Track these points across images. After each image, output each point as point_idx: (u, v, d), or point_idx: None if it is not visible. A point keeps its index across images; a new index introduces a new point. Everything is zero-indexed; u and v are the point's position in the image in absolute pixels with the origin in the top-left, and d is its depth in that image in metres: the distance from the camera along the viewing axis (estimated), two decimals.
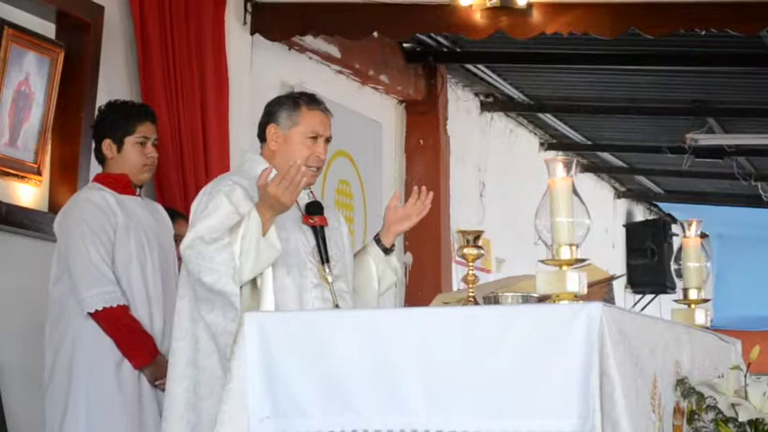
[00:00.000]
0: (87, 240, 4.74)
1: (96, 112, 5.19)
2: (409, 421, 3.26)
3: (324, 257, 4.23)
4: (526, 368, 3.16)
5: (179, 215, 5.61)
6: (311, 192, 4.38)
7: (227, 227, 4.04)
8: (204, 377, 4.07)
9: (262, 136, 4.35)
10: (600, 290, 4.42)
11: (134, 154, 4.94)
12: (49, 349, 4.79)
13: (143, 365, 4.77)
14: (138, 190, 4.99)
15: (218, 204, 4.10)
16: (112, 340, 4.72)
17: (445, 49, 8.71)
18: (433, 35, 8.38)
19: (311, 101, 4.35)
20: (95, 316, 4.70)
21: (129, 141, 4.94)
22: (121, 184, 4.92)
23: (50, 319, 4.81)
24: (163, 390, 4.84)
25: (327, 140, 4.33)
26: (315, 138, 4.28)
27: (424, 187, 4.45)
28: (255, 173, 4.18)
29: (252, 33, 7.07)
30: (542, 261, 3.40)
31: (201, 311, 4.06)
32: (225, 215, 4.08)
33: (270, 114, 4.33)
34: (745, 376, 3.70)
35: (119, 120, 4.97)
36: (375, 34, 7.20)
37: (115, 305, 4.71)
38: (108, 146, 4.94)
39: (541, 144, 11.28)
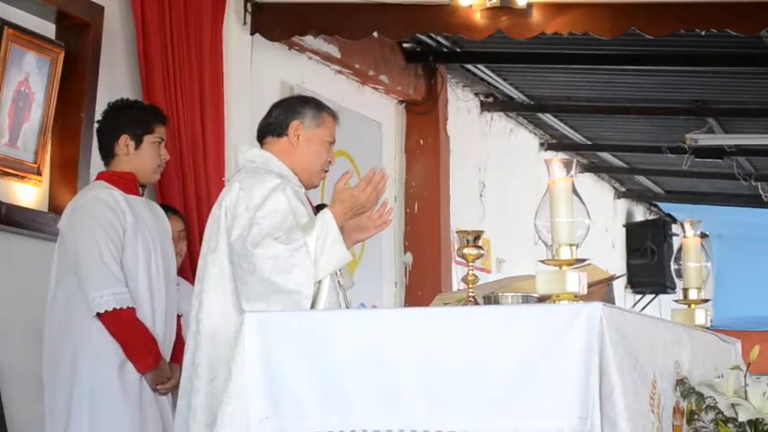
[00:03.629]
0: (99, 240, 4.68)
1: (106, 109, 5.11)
2: (409, 422, 3.26)
3: None
4: (526, 368, 3.16)
5: (172, 211, 5.59)
6: (306, 194, 4.42)
7: (287, 226, 4.08)
8: None
9: (278, 131, 4.37)
10: (600, 290, 4.42)
11: (151, 153, 4.92)
12: (49, 350, 4.74)
13: (148, 369, 4.73)
14: (141, 190, 4.96)
15: (277, 202, 4.14)
16: (119, 342, 4.67)
17: (445, 49, 8.71)
18: (433, 35, 8.38)
19: (329, 108, 4.47)
20: (104, 317, 4.64)
21: (149, 140, 4.91)
22: (128, 184, 4.87)
23: (51, 319, 4.75)
24: (163, 394, 4.82)
25: None
26: (331, 143, 4.40)
27: (385, 200, 4.44)
28: (281, 171, 4.27)
29: (252, 33, 7.07)
30: (542, 261, 3.40)
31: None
32: (284, 214, 4.12)
33: (294, 112, 4.38)
34: (745, 376, 3.70)
35: (139, 117, 4.94)
36: (375, 34, 7.20)
37: (125, 307, 4.66)
38: (125, 142, 4.89)
39: (541, 144, 11.29)
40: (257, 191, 4.16)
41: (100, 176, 4.97)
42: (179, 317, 5.01)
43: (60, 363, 4.70)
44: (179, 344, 4.91)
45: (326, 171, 4.43)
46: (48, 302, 4.79)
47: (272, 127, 4.39)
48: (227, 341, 4.07)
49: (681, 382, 3.58)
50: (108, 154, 4.95)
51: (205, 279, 4.22)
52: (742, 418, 3.59)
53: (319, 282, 4.08)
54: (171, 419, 4.82)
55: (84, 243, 4.70)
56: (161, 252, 4.88)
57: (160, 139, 4.94)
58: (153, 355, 4.74)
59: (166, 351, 4.84)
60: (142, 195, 4.96)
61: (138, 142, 4.90)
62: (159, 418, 4.79)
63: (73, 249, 4.72)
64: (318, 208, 4.35)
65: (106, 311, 4.63)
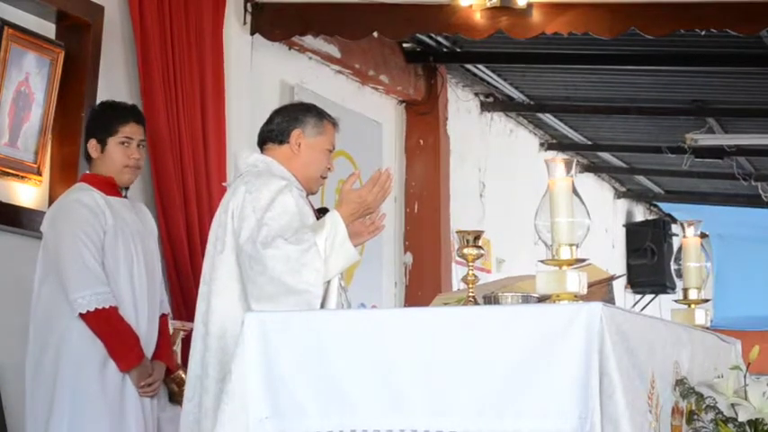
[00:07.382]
0: (80, 241, 4.73)
1: (87, 113, 5.19)
2: (409, 422, 3.26)
3: None
4: (526, 368, 3.16)
5: None
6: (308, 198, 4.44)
7: (295, 227, 4.11)
8: None
9: (280, 138, 4.41)
10: (600, 290, 4.42)
11: (116, 154, 4.94)
12: (34, 347, 4.78)
13: (131, 367, 4.76)
14: (123, 191, 5.00)
15: (285, 204, 4.17)
16: (103, 342, 4.71)
17: (445, 49, 8.71)
18: (433, 35, 8.38)
19: (330, 116, 4.51)
20: (86, 317, 4.68)
21: (112, 142, 4.94)
22: (108, 185, 4.92)
23: (35, 316, 4.80)
24: (147, 395, 4.83)
25: None
26: (330, 151, 4.46)
27: (380, 208, 4.44)
28: (284, 175, 4.30)
29: (252, 33, 7.07)
30: (542, 261, 3.40)
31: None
32: (292, 215, 4.16)
33: (296, 120, 4.43)
34: (745, 376, 3.70)
35: (103, 120, 4.99)
36: (375, 34, 7.21)
37: (107, 306, 4.70)
38: (93, 146, 4.95)
39: (541, 144, 11.28)
40: (264, 193, 4.19)
41: (83, 178, 5.04)
42: (165, 316, 5.05)
43: (43, 362, 4.75)
44: (163, 342, 4.98)
45: (325, 178, 4.48)
46: (32, 302, 4.84)
47: (273, 134, 4.43)
48: (235, 342, 4.09)
49: (680, 382, 3.58)
50: (87, 157, 5.03)
51: (213, 281, 4.25)
52: (742, 418, 3.59)
53: (328, 282, 4.11)
54: (152, 421, 4.88)
55: (64, 245, 4.75)
56: (143, 252, 4.92)
57: (126, 140, 4.96)
58: (135, 354, 4.78)
59: (149, 350, 4.88)
60: (125, 196, 4.99)
61: (103, 145, 4.95)
62: (142, 419, 4.81)
63: (54, 251, 4.78)
64: (319, 212, 4.37)
65: (88, 312, 4.68)
